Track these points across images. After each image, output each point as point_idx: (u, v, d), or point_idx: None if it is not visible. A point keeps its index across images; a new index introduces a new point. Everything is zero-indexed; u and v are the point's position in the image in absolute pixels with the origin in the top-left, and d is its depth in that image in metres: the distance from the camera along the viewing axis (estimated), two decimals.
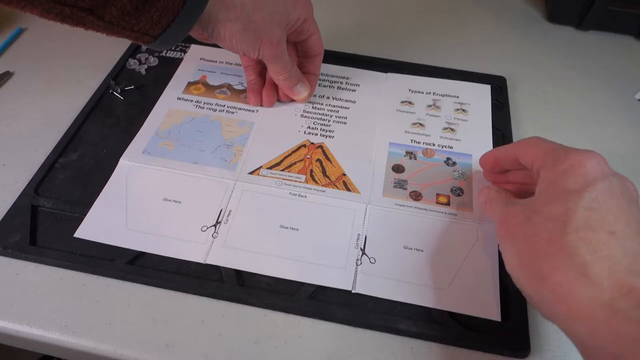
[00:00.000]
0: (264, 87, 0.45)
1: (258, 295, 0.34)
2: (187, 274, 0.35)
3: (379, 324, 0.33)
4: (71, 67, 0.51)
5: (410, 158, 0.42)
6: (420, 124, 0.45)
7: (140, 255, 0.36)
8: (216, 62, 0.50)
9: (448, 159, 0.42)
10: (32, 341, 0.33)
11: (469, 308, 0.33)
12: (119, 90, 0.48)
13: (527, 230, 0.26)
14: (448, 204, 0.39)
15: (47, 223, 0.38)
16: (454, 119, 0.45)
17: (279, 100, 0.46)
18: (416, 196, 0.39)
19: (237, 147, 0.42)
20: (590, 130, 0.46)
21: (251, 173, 0.40)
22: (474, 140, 0.43)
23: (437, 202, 0.39)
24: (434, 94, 0.47)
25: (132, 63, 0.50)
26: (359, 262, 0.35)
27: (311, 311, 0.33)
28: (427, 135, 0.44)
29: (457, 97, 0.47)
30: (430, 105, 0.46)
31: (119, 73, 0.49)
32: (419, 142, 0.43)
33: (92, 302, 0.34)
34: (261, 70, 0.46)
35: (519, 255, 0.26)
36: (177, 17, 0.32)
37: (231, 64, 0.49)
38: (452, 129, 0.44)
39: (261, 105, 0.46)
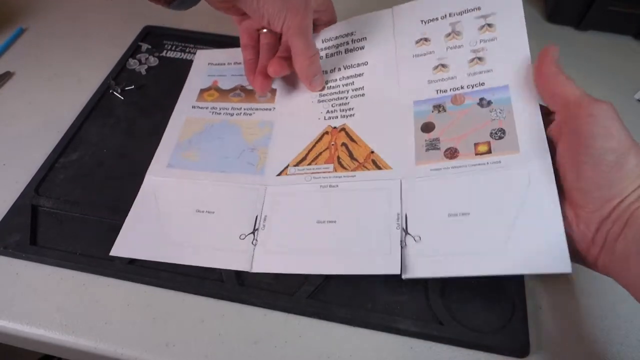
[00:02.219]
0: (256, 71, 0.43)
1: (258, 295, 0.34)
2: (187, 274, 0.35)
3: (378, 323, 0.33)
4: (71, 67, 0.51)
5: (439, 112, 0.37)
6: (443, 65, 0.39)
7: None
8: (224, 64, 0.49)
9: (482, 99, 0.36)
10: (32, 341, 0.33)
11: (534, 265, 0.29)
12: (119, 90, 0.48)
13: None
14: (489, 151, 0.34)
15: (48, 223, 0.38)
16: (480, 42, 0.38)
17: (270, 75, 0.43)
18: (452, 154, 0.35)
19: (261, 149, 0.41)
20: None
21: (279, 174, 0.39)
22: (509, 64, 0.36)
23: (476, 154, 0.35)
24: (450, 15, 0.39)
25: (132, 63, 0.50)
26: (404, 244, 0.33)
27: (311, 311, 0.33)
28: (452, 78, 0.38)
29: (479, 8, 0.38)
30: (449, 34, 0.39)
31: (119, 73, 0.50)
32: (445, 91, 0.38)
33: (92, 302, 0.34)
34: (259, 51, 0.44)
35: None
36: None
37: (240, 63, 0.47)
38: (479, 58, 0.38)
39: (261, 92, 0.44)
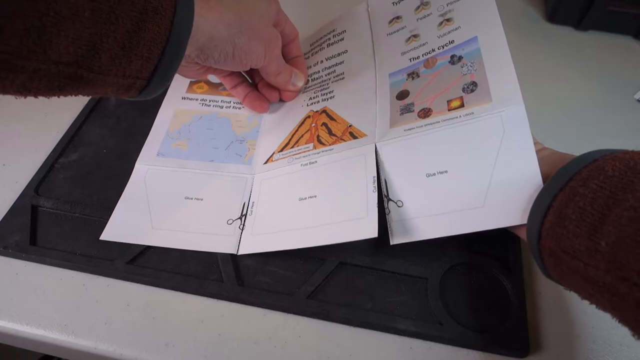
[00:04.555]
0: (255, 97, 0.44)
1: (258, 295, 0.34)
2: (186, 274, 0.35)
3: (378, 323, 0.33)
4: None
5: (413, 79, 0.38)
6: (415, 36, 0.40)
7: (140, 255, 0.36)
8: None
9: (452, 56, 0.37)
10: (32, 341, 0.33)
11: (514, 217, 0.29)
12: None
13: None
14: (462, 105, 0.34)
15: (47, 223, 0.38)
16: (447, 5, 0.39)
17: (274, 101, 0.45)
18: (425, 113, 0.35)
19: (250, 141, 0.43)
20: (590, 130, 0.46)
21: (266, 162, 0.41)
22: (475, 17, 0.37)
23: (449, 110, 0.35)
24: None
25: None
26: (387, 211, 0.34)
27: (311, 311, 0.33)
28: (424, 44, 0.39)
29: None
30: (418, 7, 0.41)
31: None
32: (417, 58, 0.39)
33: (92, 302, 0.34)
34: (244, 80, 0.44)
35: None
36: (167, 46, 0.28)
37: None
38: (448, 19, 0.38)
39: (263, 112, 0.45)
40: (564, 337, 0.33)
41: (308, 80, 0.46)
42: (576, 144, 0.45)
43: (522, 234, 0.31)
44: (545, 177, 0.30)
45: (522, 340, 0.32)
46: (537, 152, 0.33)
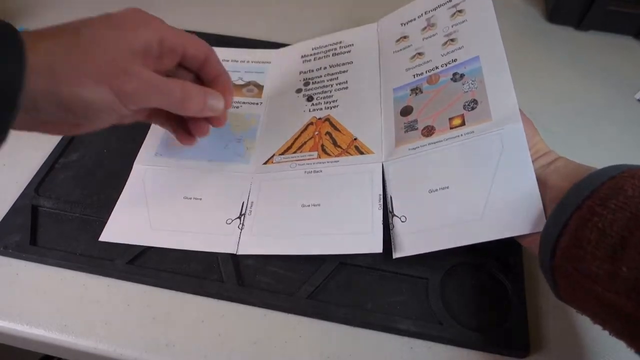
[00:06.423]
0: (181, 134, 0.38)
1: (258, 295, 0.34)
2: (187, 274, 0.35)
3: (378, 323, 0.33)
4: None
5: (417, 94, 0.40)
6: (419, 54, 0.42)
7: (141, 255, 0.36)
8: None
9: (454, 74, 0.39)
10: (32, 341, 0.33)
11: (510, 229, 0.30)
12: None
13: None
14: (463, 123, 0.36)
15: (48, 223, 0.38)
16: (452, 26, 0.41)
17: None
18: (428, 131, 0.37)
19: (248, 141, 0.43)
20: (590, 130, 0.46)
21: (265, 163, 0.41)
22: (478, 38, 0.39)
23: (451, 128, 0.36)
24: (426, 12, 0.43)
25: None
26: (392, 226, 0.35)
27: (311, 311, 0.33)
28: (428, 62, 0.41)
29: (450, 0, 0.42)
30: (424, 28, 0.43)
31: None
32: (421, 74, 0.41)
33: (92, 302, 0.34)
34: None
35: None
36: None
37: (227, 60, 0.49)
38: (452, 40, 0.40)
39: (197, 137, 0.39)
40: (564, 337, 0.33)
41: (231, 102, 0.36)
42: (576, 144, 0.45)
43: (526, 243, 0.30)
44: (560, 191, 0.29)
45: (522, 340, 0.32)
46: (551, 162, 0.32)
